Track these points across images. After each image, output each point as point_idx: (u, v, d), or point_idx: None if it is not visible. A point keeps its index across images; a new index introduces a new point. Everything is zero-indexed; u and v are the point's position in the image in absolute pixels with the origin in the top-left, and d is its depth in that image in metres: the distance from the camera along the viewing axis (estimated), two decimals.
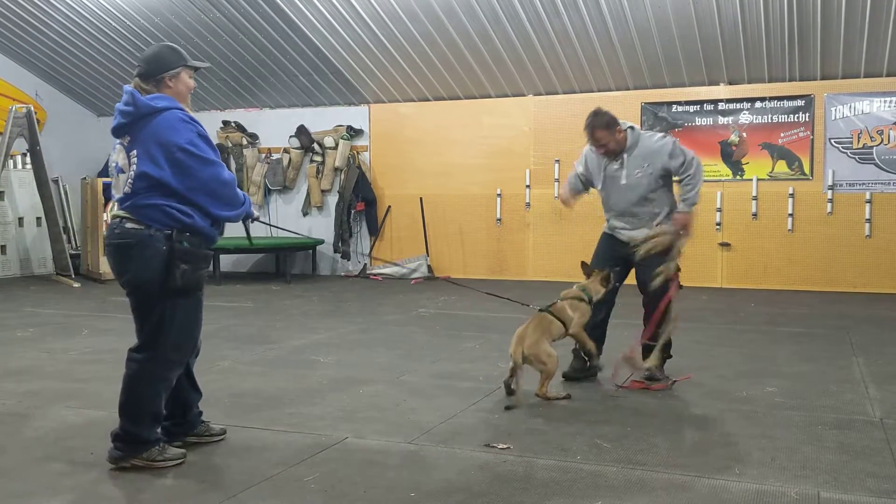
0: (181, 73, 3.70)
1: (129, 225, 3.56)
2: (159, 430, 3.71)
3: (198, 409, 3.99)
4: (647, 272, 5.08)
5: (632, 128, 5.17)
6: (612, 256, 5.28)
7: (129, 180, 3.55)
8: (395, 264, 11.41)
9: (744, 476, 3.50)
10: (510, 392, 4.76)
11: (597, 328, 5.21)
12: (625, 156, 5.13)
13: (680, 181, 5.11)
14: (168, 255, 3.49)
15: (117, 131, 3.64)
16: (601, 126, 5.04)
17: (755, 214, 10.30)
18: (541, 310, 4.92)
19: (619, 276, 5.22)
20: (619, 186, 5.18)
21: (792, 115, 10.10)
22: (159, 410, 3.67)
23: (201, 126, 3.62)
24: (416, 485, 3.39)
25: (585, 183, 5.46)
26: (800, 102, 10.04)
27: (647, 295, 5.18)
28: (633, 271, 5.28)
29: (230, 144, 12.50)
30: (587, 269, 5.14)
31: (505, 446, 3.88)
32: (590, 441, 3.98)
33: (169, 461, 3.63)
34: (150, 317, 3.62)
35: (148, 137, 3.51)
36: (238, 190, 3.73)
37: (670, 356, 5.26)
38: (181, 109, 3.58)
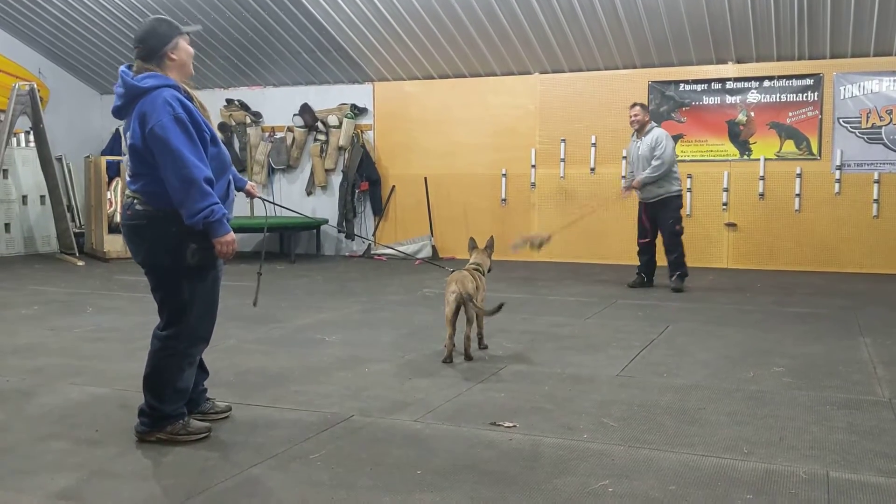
0: (179, 43, 3.59)
1: (139, 206, 3.54)
2: (184, 404, 3.71)
3: (202, 387, 3.99)
4: (662, 221, 8.32)
5: (653, 122, 8.51)
6: (644, 216, 8.45)
7: (128, 161, 3.55)
8: (399, 248, 11.36)
9: (752, 455, 3.48)
10: (450, 355, 5.09)
11: (645, 265, 8.55)
12: (644, 137, 8.27)
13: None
14: (178, 234, 3.46)
15: (117, 113, 3.61)
16: (639, 106, 8.40)
17: (762, 194, 10.23)
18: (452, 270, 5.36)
19: (652, 229, 8.42)
20: (638, 156, 8.33)
21: (800, 95, 10.01)
22: (184, 386, 3.68)
23: (184, 107, 3.42)
24: (422, 462, 3.38)
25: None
26: (808, 81, 9.94)
27: (664, 237, 8.36)
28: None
29: (234, 123, 12.44)
30: (472, 244, 5.70)
31: (511, 424, 3.87)
32: (596, 420, 3.96)
33: (192, 435, 3.65)
34: (169, 296, 3.61)
35: (135, 116, 3.47)
36: (204, 195, 3.37)
37: (686, 273, 8.36)
38: (171, 87, 3.46)
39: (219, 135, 3.74)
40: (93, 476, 3.25)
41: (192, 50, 3.67)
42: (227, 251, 3.51)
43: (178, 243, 3.47)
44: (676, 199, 8.31)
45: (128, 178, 3.61)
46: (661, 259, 8.59)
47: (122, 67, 3.58)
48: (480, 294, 5.29)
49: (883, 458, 3.45)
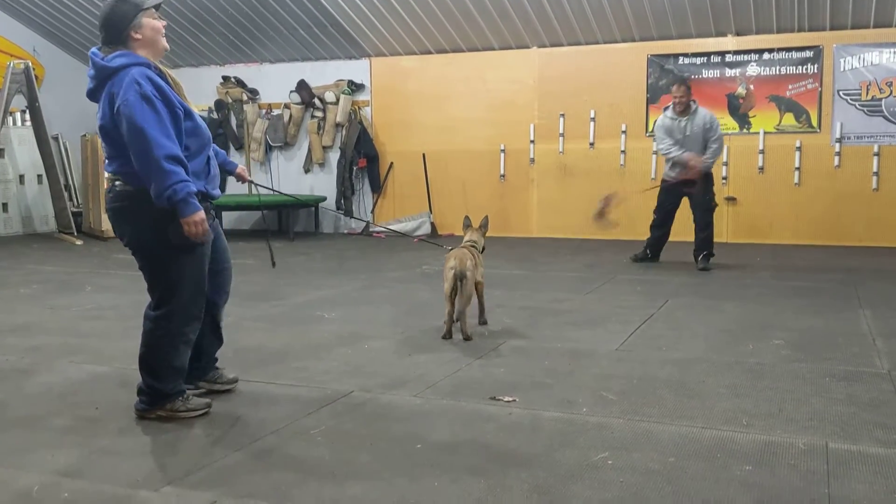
0: (142, 20, 3.48)
1: (119, 187, 3.50)
2: (182, 381, 3.70)
3: (214, 357, 4.00)
4: (695, 200, 8.02)
5: (694, 100, 8.10)
6: (671, 194, 8.17)
7: (102, 143, 3.51)
8: (398, 225, 11.34)
9: (751, 427, 3.48)
10: (450, 331, 5.11)
11: (655, 241, 8.41)
12: (690, 117, 7.92)
13: (706, 147, 7.94)
14: (160, 213, 3.39)
15: (91, 96, 3.55)
16: (685, 86, 8.03)
17: (762, 168, 10.19)
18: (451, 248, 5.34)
19: (675, 205, 8.21)
20: (685, 138, 7.91)
21: (800, 67, 9.94)
22: (181, 364, 3.66)
23: (155, 86, 3.36)
24: (422, 437, 3.38)
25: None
26: (808, 53, 9.88)
27: (700, 213, 8.06)
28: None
29: (230, 100, 12.36)
30: (466, 222, 5.66)
31: (510, 399, 3.87)
32: (595, 394, 3.97)
33: (192, 411, 3.64)
34: (158, 275, 3.58)
35: (105, 97, 3.42)
36: (166, 174, 3.28)
37: (713, 254, 8.09)
38: (141, 65, 3.40)
39: (196, 111, 3.66)
40: (93, 453, 3.25)
41: (159, 24, 3.56)
42: (194, 232, 3.39)
43: (161, 223, 3.41)
44: (711, 176, 8.11)
45: (105, 161, 3.58)
46: (676, 235, 8.54)
47: (92, 49, 3.52)
48: (479, 270, 5.29)
49: (882, 428, 3.45)
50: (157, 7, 3.56)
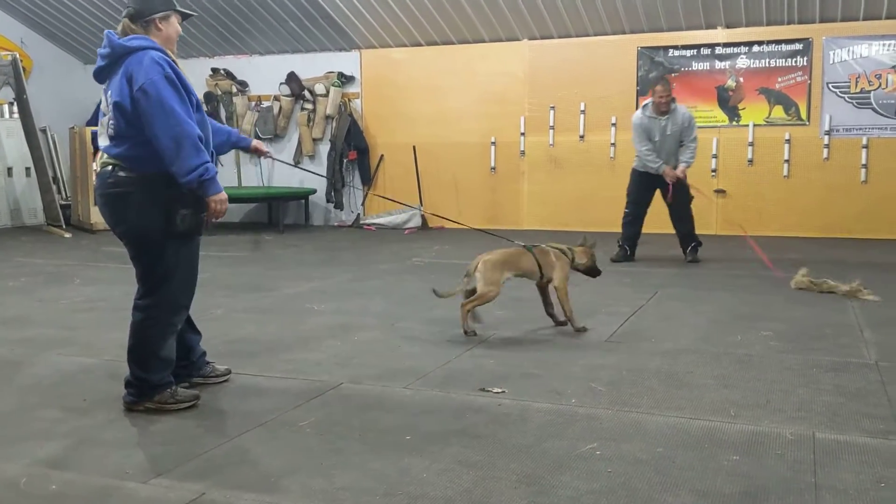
0: (171, 17, 3.60)
1: (122, 173, 3.48)
2: (170, 373, 3.70)
3: (202, 350, 4.01)
4: (678, 192, 7.87)
5: (674, 99, 7.96)
6: (645, 186, 8.02)
7: (111, 122, 3.48)
8: (387, 218, 11.34)
9: (739, 418, 3.50)
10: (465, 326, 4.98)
11: (633, 237, 8.12)
12: (670, 116, 7.83)
13: (682, 146, 7.92)
14: (167, 199, 3.41)
15: (98, 75, 3.58)
16: (667, 86, 7.97)
17: (751, 160, 10.21)
18: (524, 246, 5.15)
19: (649, 199, 8.07)
20: (665, 136, 7.86)
21: (790, 60, 9.96)
22: (168, 355, 3.66)
23: (173, 69, 3.41)
24: (412, 428, 3.39)
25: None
26: (798, 46, 9.89)
27: (680, 208, 8.00)
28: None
29: (220, 92, 12.30)
30: (584, 240, 5.43)
31: (500, 390, 3.88)
32: (584, 385, 3.98)
33: (181, 403, 3.64)
34: (152, 264, 3.57)
35: (121, 75, 3.42)
36: (198, 152, 3.36)
37: (700, 243, 8.13)
38: (158, 50, 3.45)
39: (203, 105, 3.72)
40: (81, 444, 3.25)
41: (180, 30, 3.67)
42: (220, 209, 3.51)
43: (167, 208, 3.42)
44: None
45: (106, 144, 3.55)
46: (648, 227, 8.51)
47: (107, 31, 3.56)
48: (558, 273, 5.07)
49: (869, 418, 3.48)
50: (183, 17, 3.68)
